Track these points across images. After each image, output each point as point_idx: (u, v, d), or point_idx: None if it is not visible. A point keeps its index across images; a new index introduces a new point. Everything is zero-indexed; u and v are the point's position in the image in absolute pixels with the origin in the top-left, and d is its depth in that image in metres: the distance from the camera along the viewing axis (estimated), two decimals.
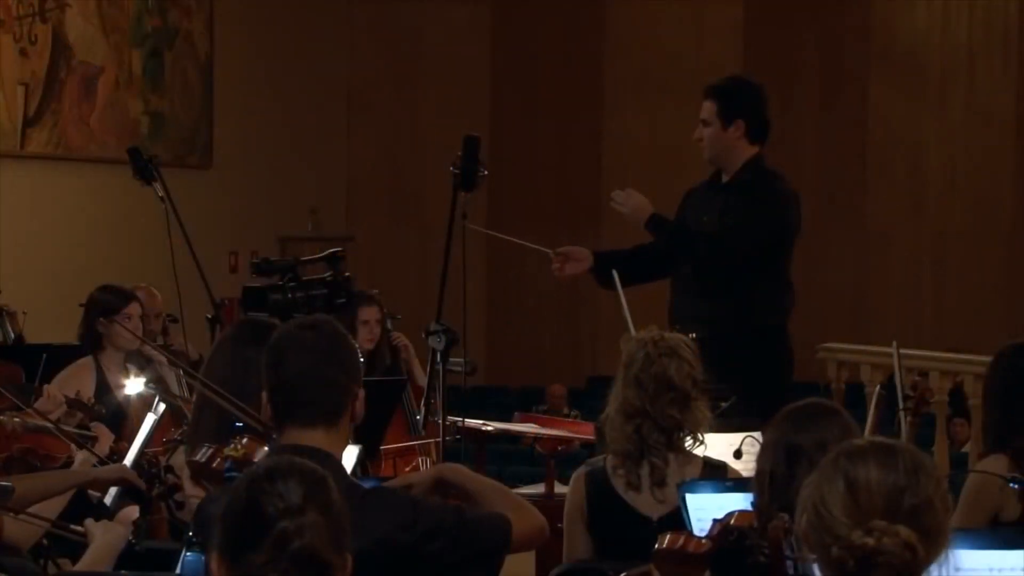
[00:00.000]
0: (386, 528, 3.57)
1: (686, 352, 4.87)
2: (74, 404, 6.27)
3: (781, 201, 6.56)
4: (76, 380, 6.79)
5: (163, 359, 7.21)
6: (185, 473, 4.08)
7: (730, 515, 3.85)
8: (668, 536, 3.86)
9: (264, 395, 3.71)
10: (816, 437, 3.74)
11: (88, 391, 6.71)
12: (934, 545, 2.60)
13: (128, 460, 5.59)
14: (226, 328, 5.22)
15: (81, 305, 7.16)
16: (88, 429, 6.00)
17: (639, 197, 6.60)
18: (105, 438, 5.85)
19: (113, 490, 5.59)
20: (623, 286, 6.56)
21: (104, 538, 4.33)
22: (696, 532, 4.02)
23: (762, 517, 3.75)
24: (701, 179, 6.80)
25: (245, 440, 3.93)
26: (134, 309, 7.00)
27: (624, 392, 4.84)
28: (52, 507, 5.10)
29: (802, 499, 2.67)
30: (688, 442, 4.85)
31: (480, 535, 3.70)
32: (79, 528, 4.50)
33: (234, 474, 3.75)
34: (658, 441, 4.79)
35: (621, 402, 4.84)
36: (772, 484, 3.74)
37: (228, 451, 3.88)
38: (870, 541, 2.56)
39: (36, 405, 6.06)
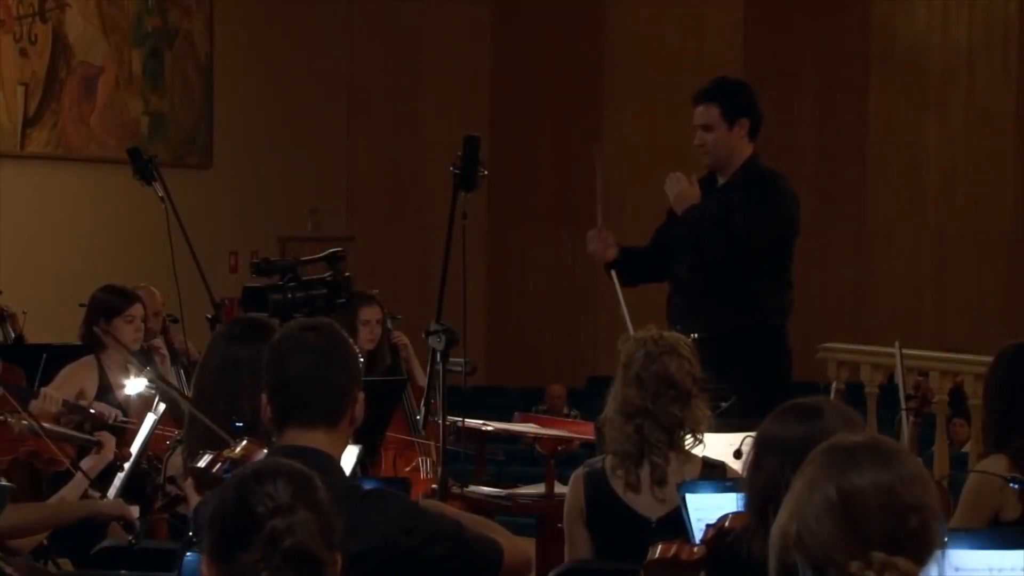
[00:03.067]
0: (386, 530, 3.57)
1: (685, 350, 4.87)
2: (73, 409, 6.27)
3: (787, 200, 6.58)
4: (78, 379, 6.80)
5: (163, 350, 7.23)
6: (189, 482, 4.06)
7: (724, 518, 3.85)
8: (660, 546, 3.86)
9: (264, 395, 3.72)
10: (801, 434, 3.73)
11: (90, 390, 6.72)
12: (929, 556, 2.56)
13: (129, 462, 5.60)
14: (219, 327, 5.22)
15: (82, 305, 7.14)
16: (89, 432, 6.01)
17: (686, 184, 6.65)
18: (110, 445, 5.84)
19: (113, 491, 5.60)
20: (628, 284, 6.60)
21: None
22: (695, 532, 4.02)
23: (752, 517, 3.76)
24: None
25: (245, 442, 3.92)
26: (137, 311, 6.96)
27: (624, 391, 4.83)
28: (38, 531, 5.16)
29: (790, 505, 2.62)
30: (688, 441, 4.85)
31: (478, 551, 3.72)
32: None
33: None
34: (659, 439, 4.79)
35: (621, 402, 4.83)
36: (761, 484, 3.74)
37: (227, 453, 3.87)
38: (870, 575, 2.53)
39: (32, 407, 6.06)
